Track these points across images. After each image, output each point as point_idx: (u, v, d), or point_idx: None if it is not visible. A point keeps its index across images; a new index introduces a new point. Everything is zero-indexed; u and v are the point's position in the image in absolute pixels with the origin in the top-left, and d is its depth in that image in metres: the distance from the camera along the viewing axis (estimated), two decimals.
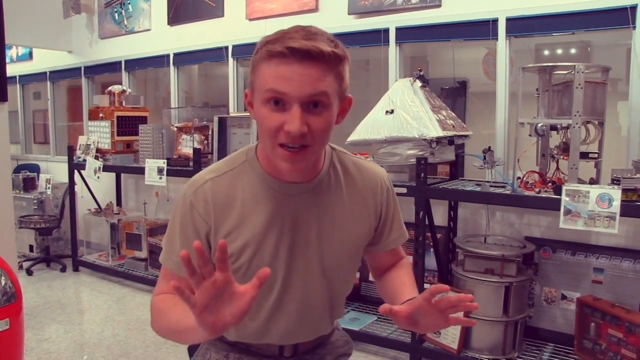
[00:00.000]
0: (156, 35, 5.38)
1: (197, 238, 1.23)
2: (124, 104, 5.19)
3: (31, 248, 5.79)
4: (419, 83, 3.39)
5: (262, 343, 1.38)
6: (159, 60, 5.36)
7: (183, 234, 1.26)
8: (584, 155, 2.86)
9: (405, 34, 3.83)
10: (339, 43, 1.13)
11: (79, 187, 5.47)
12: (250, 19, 4.64)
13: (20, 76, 7.01)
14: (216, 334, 1.01)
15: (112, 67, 5.81)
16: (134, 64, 5.66)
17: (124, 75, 5.72)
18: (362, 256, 1.43)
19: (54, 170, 6.36)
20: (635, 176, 2.62)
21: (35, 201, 5.80)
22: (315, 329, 1.40)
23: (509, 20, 3.40)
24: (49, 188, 5.98)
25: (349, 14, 4.03)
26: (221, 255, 0.96)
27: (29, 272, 5.32)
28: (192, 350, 1.53)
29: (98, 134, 5.19)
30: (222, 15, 4.84)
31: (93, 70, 6.09)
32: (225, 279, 0.98)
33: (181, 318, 1.10)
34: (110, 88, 5.22)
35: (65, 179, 5.53)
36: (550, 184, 2.93)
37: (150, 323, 1.27)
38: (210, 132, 4.54)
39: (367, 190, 1.34)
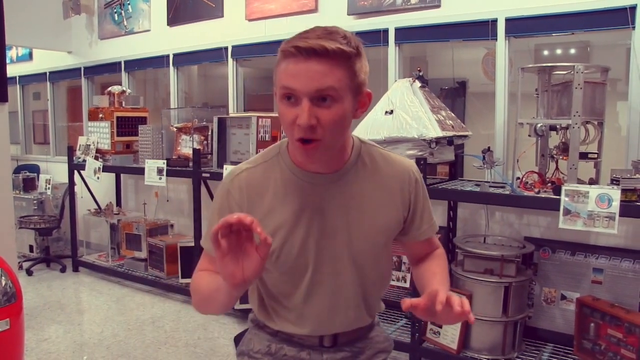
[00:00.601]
0: (156, 35, 5.38)
1: None
2: (123, 105, 5.20)
3: (31, 248, 5.80)
4: (418, 83, 3.39)
5: (301, 333, 1.42)
6: (159, 61, 5.36)
7: (220, 217, 1.31)
8: (584, 156, 2.86)
9: (405, 34, 3.84)
10: (352, 40, 1.21)
11: (79, 187, 5.47)
12: (250, 20, 4.64)
13: (20, 77, 7.02)
14: (236, 287, 1.12)
15: (111, 67, 5.82)
16: (133, 65, 5.66)
17: (124, 76, 5.73)
18: (391, 246, 1.46)
19: (54, 171, 6.36)
20: (634, 176, 2.62)
21: (35, 201, 5.81)
22: (349, 318, 1.43)
23: (508, 20, 3.40)
24: (48, 188, 5.99)
25: (348, 14, 4.04)
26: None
27: (29, 273, 5.33)
28: (237, 340, 1.60)
29: (98, 134, 5.19)
30: (222, 16, 4.84)
31: (93, 70, 6.10)
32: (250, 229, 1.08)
33: (211, 282, 1.25)
34: (109, 88, 5.23)
35: (65, 180, 5.53)
36: (549, 184, 2.93)
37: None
38: (209, 133, 4.55)
39: (394, 181, 1.38)
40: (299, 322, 1.41)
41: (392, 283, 3.81)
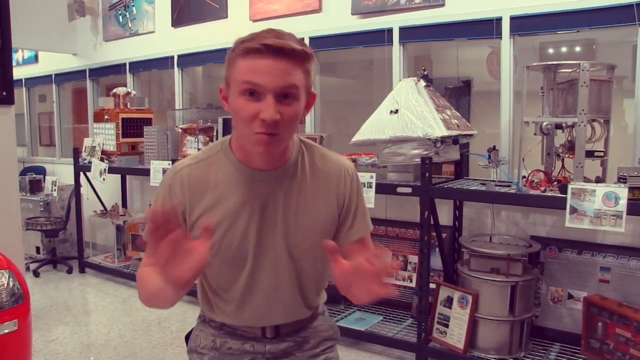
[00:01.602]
0: (160, 37, 5.39)
1: None
2: (128, 106, 5.21)
3: (38, 250, 5.82)
4: (423, 82, 3.39)
5: (242, 324, 1.47)
6: (163, 62, 5.37)
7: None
8: (590, 154, 2.85)
9: (409, 33, 3.83)
10: (305, 44, 1.27)
11: (85, 189, 5.48)
12: (254, 20, 4.64)
13: (26, 79, 7.03)
14: (181, 287, 1.15)
15: (116, 69, 5.83)
16: (138, 66, 5.67)
17: (129, 77, 5.74)
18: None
19: (60, 173, 6.38)
20: None
21: (41, 203, 5.82)
22: (288, 311, 1.47)
23: (512, 18, 3.39)
24: (55, 190, 6.01)
25: (352, 14, 4.03)
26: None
27: (36, 274, 5.34)
28: (187, 338, 1.65)
29: (103, 136, 5.20)
30: (226, 17, 4.84)
31: (98, 72, 6.11)
32: (182, 233, 1.10)
33: (157, 281, 1.22)
34: (115, 90, 5.24)
35: (71, 181, 5.54)
36: (555, 182, 2.92)
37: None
38: (214, 133, 4.55)
39: (330, 179, 1.43)
40: (238, 314, 1.45)
41: (398, 283, 3.81)
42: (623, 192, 2.52)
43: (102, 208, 5.64)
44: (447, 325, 3.20)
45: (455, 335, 3.14)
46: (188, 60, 5.23)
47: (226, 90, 1.31)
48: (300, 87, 1.24)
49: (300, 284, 1.45)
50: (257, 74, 1.20)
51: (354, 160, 3.63)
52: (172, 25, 5.25)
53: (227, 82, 1.29)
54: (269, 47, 1.19)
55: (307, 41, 4.29)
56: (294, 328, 1.51)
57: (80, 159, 5.35)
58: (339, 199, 1.44)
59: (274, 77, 1.20)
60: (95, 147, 5.24)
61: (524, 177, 3.00)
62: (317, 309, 1.57)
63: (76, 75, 6.34)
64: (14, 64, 5.84)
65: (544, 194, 2.85)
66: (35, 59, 6.90)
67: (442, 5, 3.65)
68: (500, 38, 3.45)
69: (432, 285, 3.33)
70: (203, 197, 1.37)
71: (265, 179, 1.37)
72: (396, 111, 3.31)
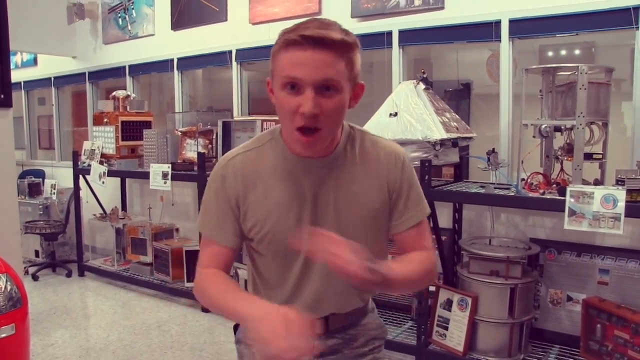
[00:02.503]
0: (160, 40, 5.39)
1: (229, 205, 1.38)
2: (128, 109, 5.21)
3: (37, 253, 5.81)
4: (422, 85, 3.39)
5: None
6: (163, 65, 5.37)
7: (218, 202, 1.39)
8: (588, 156, 2.85)
9: (409, 36, 3.84)
10: (350, 32, 1.25)
11: (84, 192, 5.48)
12: (254, 23, 4.65)
13: (25, 82, 7.04)
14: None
15: (116, 72, 5.83)
16: (138, 69, 5.67)
17: (128, 80, 5.74)
18: (384, 234, 1.46)
19: (59, 176, 6.38)
20: (639, 176, 2.61)
21: (40, 206, 5.82)
22: (341, 300, 1.44)
23: (512, 21, 3.40)
24: (54, 193, 6.01)
25: (352, 17, 4.04)
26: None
27: (35, 278, 5.34)
28: (236, 328, 1.64)
29: (102, 139, 5.20)
30: (226, 20, 4.85)
31: (97, 75, 6.12)
32: None
33: (228, 301, 1.26)
34: (114, 93, 5.24)
35: (70, 184, 5.54)
36: (554, 185, 2.92)
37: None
38: (214, 136, 4.55)
39: (381, 165, 1.40)
40: (291, 302, 1.41)
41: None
42: (621, 195, 2.52)
43: (101, 211, 5.64)
44: (446, 328, 3.20)
45: (455, 338, 3.14)
46: (188, 63, 5.23)
47: (272, 82, 1.30)
48: (342, 79, 1.22)
49: None
50: (296, 67, 1.19)
51: None
52: (172, 28, 5.26)
53: (272, 75, 1.28)
54: (308, 38, 1.17)
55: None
56: (343, 324, 1.49)
57: (79, 162, 5.36)
58: (390, 185, 1.41)
59: (313, 70, 1.18)
60: (94, 150, 5.24)
61: (523, 179, 3.00)
62: (368, 304, 1.55)
63: (75, 78, 6.35)
64: (12, 66, 5.85)
65: (543, 196, 2.85)
66: (35, 61, 6.91)
67: (442, 8, 3.66)
68: (500, 41, 3.46)
69: (432, 288, 3.33)
70: (255, 186, 1.36)
71: (315, 167, 1.35)
72: (395, 114, 3.31)
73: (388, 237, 1.48)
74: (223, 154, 4.23)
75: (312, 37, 1.17)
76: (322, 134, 1.25)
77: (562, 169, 3.02)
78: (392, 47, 3.90)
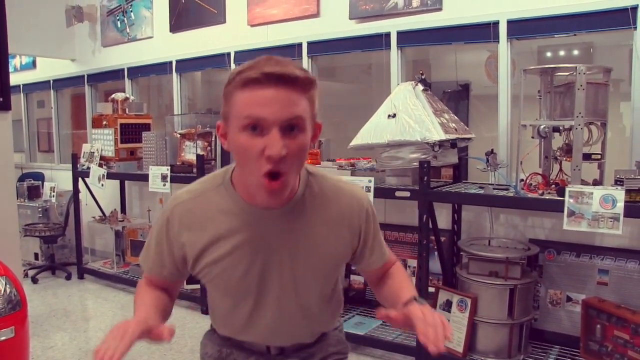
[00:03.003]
0: (158, 42, 5.40)
1: (170, 249, 1.34)
2: (127, 112, 5.21)
3: (36, 256, 5.81)
4: (420, 86, 3.40)
5: (246, 340, 1.44)
6: (162, 68, 5.37)
7: (158, 243, 1.37)
8: (587, 157, 2.85)
9: (407, 37, 3.84)
10: (307, 70, 1.17)
11: (83, 194, 5.48)
12: (252, 25, 4.65)
13: (24, 85, 7.04)
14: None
15: (115, 74, 5.84)
16: (136, 72, 5.68)
17: (127, 83, 5.75)
18: (339, 275, 1.45)
19: (58, 178, 6.37)
20: (638, 177, 2.61)
21: (39, 209, 5.82)
22: (293, 338, 1.44)
23: (509, 22, 3.40)
24: (53, 196, 6.00)
25: (350, 18, 4.04)
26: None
27: (35, 280, 5.33)
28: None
29: (102, 141, 5.21)
30: (224, 22, 4.85)
31: (96, 78, 6.12)
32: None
33: (147, 308, 1.35)
34: (113, 96, 5.24)
35: (70, 187, 5.54)
36: (553, 185, 2.92)
37: None
38: (213, 139, 4.56)
39: (343, 214, 1.33)
40: (242, 335, 1.43)
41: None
42: (620, 195, 2.53)
43: (100, 214, 5.64)
44: None
45: (455, 339, 3.14)
46: (186, 65, 5.24)
47: (225, 127, 1.20)
48: (306, 118, 1.14)
49: (306, 317, 1.39)
50: (258, 107, 1.09)
51: (352, 165, 3.63)
52: (171, 31, 5.26)
53: (226, 118, 1.18)
54: (270, 75, 1.08)
55: (305, 46, 4.30)
56: (300, 346, 1.47)
57: (78, 165, 5.35)
58: (353, 235, 1.35)
59: (278, 108, 1.09)
60: (93, 152, 5.24)
61: (522, 180, 3.01)
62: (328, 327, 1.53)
63: (74, 80, 6.35)
64: (12, 69, 5.85)
65: (542, 197, 2.85)
66: (34, 64, 6.91)
67: (440, 9, 3.66)
68: (498, 42, 3.46)
69: (431, 289, 3.33)
70: (203, 234, 1.29)
71: (270, 217, 1.27)
72: (394, 115, 3.32)
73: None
74: (222, 156, 4.27)
75: (274, 73, 1.08)
76: (288, 179, 1.16)
77: (561, 170, 3.02)
78: (390, 49, 3.90)
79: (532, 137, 3.03)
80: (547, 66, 3.01)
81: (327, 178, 1.37)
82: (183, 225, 1.31)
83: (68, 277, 5.46)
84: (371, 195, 3.27)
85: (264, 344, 1.43)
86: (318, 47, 4.21)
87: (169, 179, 4.48)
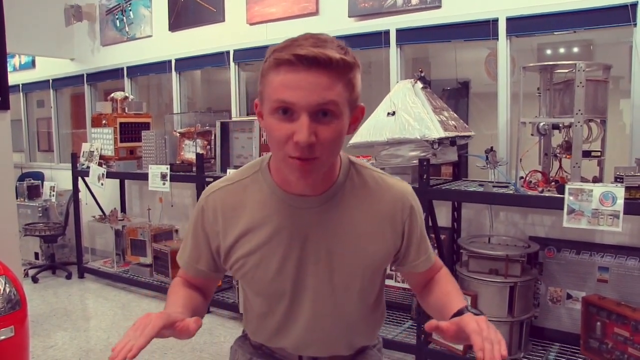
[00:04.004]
0: (157, 41, 5.39)
1: (205, 240, 1.30)
2: (126, 111, 5.21)
3: (36, 255, 5.81)
4: (420, 84, 3.39)
5: (279, 347, 1.38)
6: (161, 66, 5.37)
7: (194, 235, 1.33)
8: (587, 154, 2.85)
9: (406, 35, 3.83)
10: (349, 50, 1.11)
11: (83, 194, 5.48)
12: (251, 24, 4.64)
13: (23, 84, 7.04)
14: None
15: (114, 73, 5.83)
16: (136, 71, 5.67)
17: (126, 82, 5.74)
18: (381, 279, 1.37)
19: (58, 178, 6.37)
20: (638, 174, 2.61)
21: (39, 209, 5.82)
22: (328, 347, 1.35)
23: (509, 19, 3.39)
24: (53, 195, 6.00)
25: (349, 16, 4.04)
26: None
27: (35, 280, 5.34)
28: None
29: (101, 140, 5.20)
30: (223, 20, 4.85)
31: (95, 77, 6.12)
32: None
33: (176, 305, 1.28)
34: (112, 95, 5.24)
35: (70, 186, 5.54)
36: (553, 183, 2.92)
37: None
38: (212, 137, 4.55)
39: (386, 208, 1.26)
40: (275, 341, 1.36)
41: (397, 285, 3.81)
42: (620, 192, 2.52)
43: (100, 213, 5.64)
44: None
45: None
46: (186, 64, 5.23)
47: (260, 105, 1.16)
48: (341, 103, 1.07)
49: (344, 323, 1.32)
50: (289, 90, 1.04)
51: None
52: (170, 29, 5.25)
53: (261, 97, 1.14)
54: (302, 57, 1.03)
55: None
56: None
57: (78, 164, 5.35)
58: (396, 231, 1.27)
59: (308, 94, 1.04)
60: (93, 152, 5.24)
61: (521, 177, 3.00)
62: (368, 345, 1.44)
63: (74, 80, 6.35)
64: (10, 69, 5.85)
65: (542, 194, 2.85)
66: (33, 64, 6.90)
67: (439, 6, 3.66)
68: (497, 39, 3.46)
69: None
70: (238, 222, 1.25)
71: (307, 206, 1.22)
72: (393, 113, 3.31)
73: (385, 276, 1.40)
74: (221, 154, 4.27)
75: (306, 56, 1.03)
76: (319, 163, 1.10)
77: (560, 167, 3.02)
78: (389, 46, 3.89)
79: (532, 135, 3.03)
80: (546, 63, 3.01)
81: (370, 169, 1.31)
82: (218, 214, 1.27)
83: (68, 277, 5.47)
84: None
85: (297, 353, 1.36)
86: None
87: (168, 177, 4.48)
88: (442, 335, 1.15)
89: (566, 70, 2.95)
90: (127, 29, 5.64)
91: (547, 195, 2.82)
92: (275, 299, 1.29)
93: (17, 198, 4.65)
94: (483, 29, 3.49)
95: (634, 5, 2.97)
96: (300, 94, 1.04)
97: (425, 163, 3.11)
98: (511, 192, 2.99)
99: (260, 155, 3.85)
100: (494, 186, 3.17)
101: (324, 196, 1.22)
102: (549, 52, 4.96)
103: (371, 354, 1.44)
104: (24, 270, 5.24)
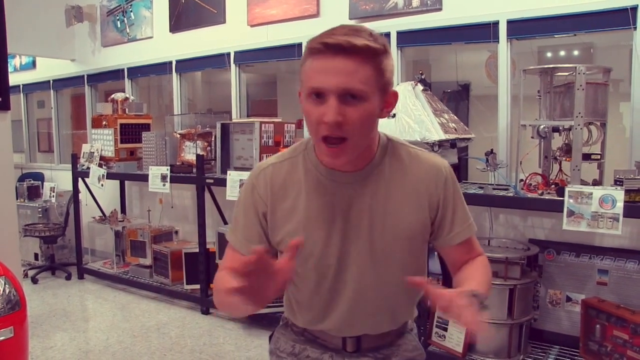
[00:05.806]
0: (158, 42, 5.40)
1: (257, 216, 1.36)
2: (127, 112, 5.21)
3: (36, 256, 5.81)
4: (420, 86, 3.39)
5: (325, 332, 1.41)
6: (162, 68, 5.37)
7: (246, 213, 1.38)
8: (587, 157, 2.85)
9: (407, 38, 3.84)
10: (378, 38, 1.19)
11: (83, 195, 5.48)
12: (252, 25, 4.65)
13: (24, 85, 7.05)
14: (263, 306, 1.15)
15: (114, 74, 5.84)
16: (136, 72, 5.68)
17: (127, 83, 5.75)
18: (422, 253, 1.41)
19: (58, 179, 6.37)
20: (638, 177, 2.61)
21: (39, 209, 5.82)
22: (372, 322, 1.40)
23: (509, 22, 3.40)
24: (53, 196, 6.00)
25: (350, 18, 4.04)
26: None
27: (34, 280, 5.34)
28: (271, 337, 1.60)
29: (101, 141, 5.21)
30: (224, 22, 4.85)
31: (96, 78, 6.12)
32: (269, 260, 1.08)
33: (230, 296, 1.16)
34: (113, 96, 5.25)
35: (70, 187, 5.54)
36: (553, 185, 2.92)
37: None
38: (213, 139, 4.56)
39: (422, 181, 1.33)
40: (320, 322, 1.40)
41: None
42: (620, 195, 2.53)
43: (100, 214, 5.64)
44: (446, 329, 3.20)
45: (454, 339, 3.13)
46: (186, 65, 5.24)
47: (301, 92, 1.25)
48: (367, 86, 1.16)
49: (387, 294, 1.37)
50: (318, 75, 1.16)
51: None
52: (170, 31, 5.26)
53: (301, 85, 1.24)
54: (329, 45, 1.14)
55: (304, 46, 4.29)
56: (377, 344, 1.43)
57: (78, 165, 5.35)
58: (431, 203, 1.33)
59: (334, 78, 1.14)
60: (93, 152, 5.24)
61: (521, 180, 3.01)
62: (406, 325, 1.49)
63: (74, 81, 6.36)
64: (11, 69, 5.85)
65: (542, 197, 2.85)
66: (33, 64, 6.91)
67: (440, 9, 3.66)
68: (498, 42, 3.46)
69: None
70: (285, 199, 1.33)
71: (348, 181, 1.30)
72: (394, 115, 3.31)
73: (427, 253, 1.43)
74: (222, 156, 4.27)
75: (333, 44, 1.13)
76: (349, 144, 1.19)
77: (560, 170, 3.02)
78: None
79: (532, 137, 3.03)
80: (546, 66, 3.01)
81: (406, 145, 1.38)
82: (268, 190, 1.34)
83: (68, 278, 5.47)
84: None
85: (340, 335, 1.41)
86: None
87: (168, 179, 4.48)
88: (428, 295, 1.17)
89: (566, 73, 2.95)
90: (127, 30, 5.64)
91: (547, 197, 2.83)
92: (320, 275, 1.34)
93: (17, 198, 4.65)
94: (484, 32, 3.49)
95: (634, 9, 2.97)
96: (327, 79, 1.14)
97: None
98: (511, 194, 2.99)
99: (260, 158, 3.86)
100: (494, 189, 3.17)
101: (363, 171, 1.31)
102: (549, 55, 4.96)
103: (410, 340, 1.49)
104: (24, 271, 5.24)
